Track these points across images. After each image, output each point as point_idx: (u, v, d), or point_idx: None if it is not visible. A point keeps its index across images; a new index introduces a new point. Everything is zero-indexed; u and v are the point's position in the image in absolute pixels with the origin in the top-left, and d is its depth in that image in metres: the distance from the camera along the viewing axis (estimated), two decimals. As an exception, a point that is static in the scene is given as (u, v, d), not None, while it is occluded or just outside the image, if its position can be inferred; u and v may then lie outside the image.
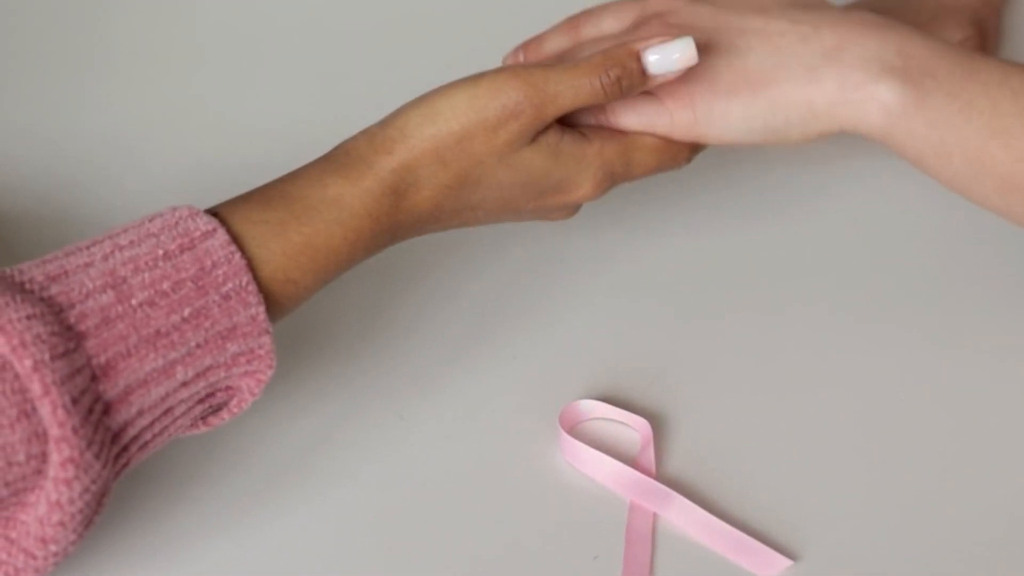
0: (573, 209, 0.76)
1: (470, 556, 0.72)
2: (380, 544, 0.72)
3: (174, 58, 1.00)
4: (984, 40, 0.95)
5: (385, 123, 0.71)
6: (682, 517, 0.73)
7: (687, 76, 0.73)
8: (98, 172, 0.92)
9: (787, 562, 0.71)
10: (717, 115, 0.74)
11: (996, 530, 0.73)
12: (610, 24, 0.79)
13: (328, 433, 0.76)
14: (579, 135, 0.73)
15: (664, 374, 0.80)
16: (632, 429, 0.77)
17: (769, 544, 0.72)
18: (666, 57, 0.72)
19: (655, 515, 0.73)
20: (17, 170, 0.92)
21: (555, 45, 0.79)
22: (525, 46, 0.80)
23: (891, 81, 0.72)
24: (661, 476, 0.75)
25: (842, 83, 0.72)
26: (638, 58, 0.72)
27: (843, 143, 0.80)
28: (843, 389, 0.80)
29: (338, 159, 0.70)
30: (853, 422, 0.78)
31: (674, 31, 0.74)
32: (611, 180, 0.75)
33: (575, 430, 0.77)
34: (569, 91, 0.71)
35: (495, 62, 0.78)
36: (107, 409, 0.62)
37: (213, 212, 0.67)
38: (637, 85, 0.73)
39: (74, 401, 0.60)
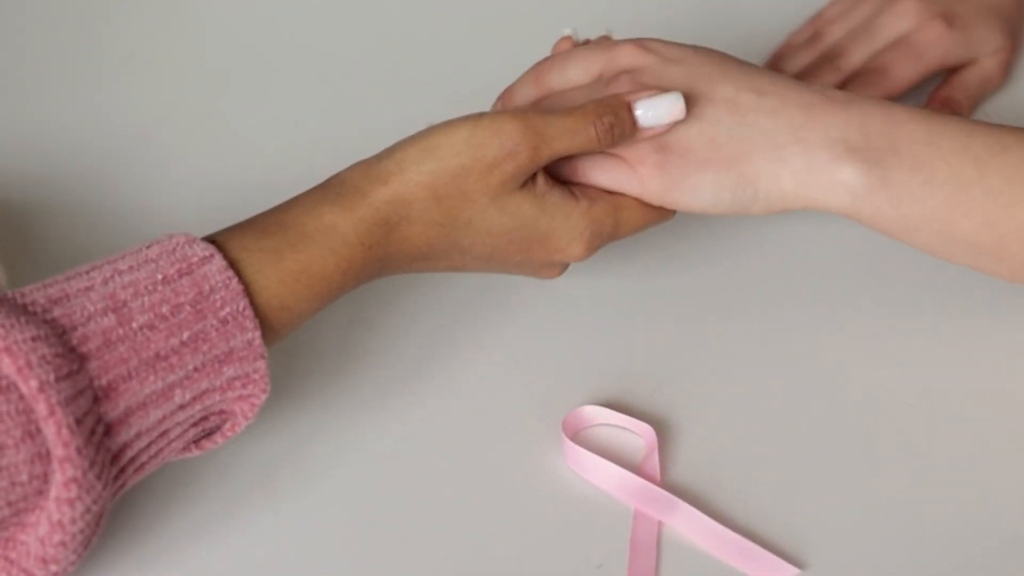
0: (562, 268, 0.77)
1: (471, 564, 0.71)
2: (380, 552, 0.72)
3: (189, 57, 1.02)
4: (1014, 49, 0.97)
5: (382, 156, 0.72)
6: (688, 525, 0.72)
7: (659, 143, 0.75)
8: (116, 162, 0.93)
9: (794, 570, 0.71)
10: (687, 187, 0.75)
11: (1006, 539, 0.73)
12: (576, 74, 0.79)
13: (327, 439, 0.76)
14: (567, 192, 0.75)
15: (669, 379, 0.79)
16: (637, 435, 0.77)
17: (776, 552, 0.71)
18: (656, 110, 0.74)
19: (660, 523, 0.73)
20: (34, 159, 0.93)
21: (524, 95, 0.80)
22: (501, 98, 0.81)
23: (854, 163, 0.74)
24: (666, 483, 0.74)
25: (808, 163, 0.74)
26: (630, 108, 0.74)
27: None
28: (851, 395, 0.79)
29: (333, 188, 0.71)
30: (861, 429, 0.77)
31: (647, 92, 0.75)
32: (600, 239, 0.76)
33: (579, 436, 0.76)
34: (565, 135, 0.73)
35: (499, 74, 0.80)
36: (108, 430, 0.63)
37: (210, 239, 0.68)
38: (628, 135, 0.74)
39: (78, 422, 0.61)
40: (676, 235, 0.87)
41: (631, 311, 0.84)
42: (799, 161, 0.74)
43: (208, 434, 0.69)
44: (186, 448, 0.68)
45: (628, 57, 0.78)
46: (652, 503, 0.73)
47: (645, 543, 0.72)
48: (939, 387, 0.79)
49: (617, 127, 0.74)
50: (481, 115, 0.72)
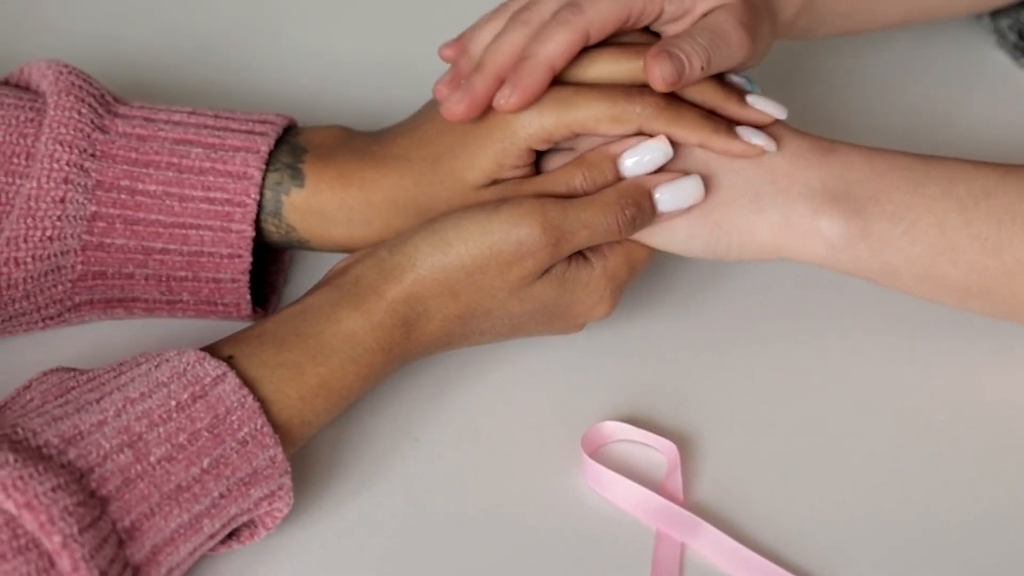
0: (584, 324, 0.77)
1: None
2: (392, 572, 0.71)
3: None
4: None
5: (394, 249, 0.71)
6: (711, 547, 0.71)
7: None
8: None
9: None
10: (660, 229, 0.75)
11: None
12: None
13: (340, 455, 0.75)
14: (582, 259, 0.74)
15: (692, 394, 0.78)
16: (658, 452, 0.75)
17: None
18: (675, 195, 0.73)
19: (683, 545, 0.71)
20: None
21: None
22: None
23: (833, 215, 0.73)
24: (689, 503, 0.73)
25: (786, 215, 0.74)
26: (650, 196, 0.73)
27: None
28: (884, 414, 0.78)
29: (347, 288, 0.71)
30: (896, 449, 0.76)
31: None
32: (620, 291, 0.75)
33: (598, 453, 0.75)
34: (585, 230, 0.72)
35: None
36: (136, 573, 0.63)
37: (221, 353, 0.68)
38: (647, 221, 0.74)
39: (103, 573, 0.60)
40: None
41: (653, 324, 0.82)
42: (776, 212, 0.74)
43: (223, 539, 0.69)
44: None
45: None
46: (674, 524, 0.72)
47: (667, 566, 0.70)
48: (970, 404, 0.78)
49: (639, 217, 0.73)
50: (498, 207, 0.71)
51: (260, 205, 0.76)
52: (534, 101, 0.73)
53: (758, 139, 0.74)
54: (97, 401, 0.65)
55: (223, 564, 0.69)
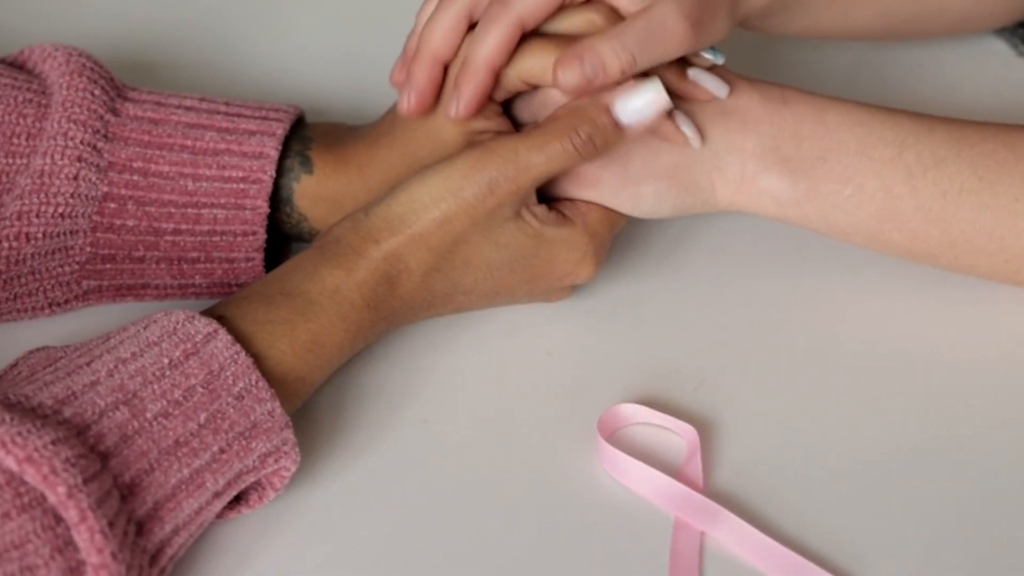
0: (572, 289, 0.79)
1: (500, 574, 0.69)
2: (401, 558, 0.70)
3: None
4: None
5: (369, 211, 0.73)
6: (732, 536, 0.70)
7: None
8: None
9: None
10: (628, 196, 0.76)
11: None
12: None
13: (347, 438, 0.74)
14: (560, 217, 0.75)
15: (713, 375, 0.77)
16: (677, 436, 0.74)
17: (828, 568, 0.68)
18: (636, 104, 0.73)
19: (702, 534, 0.70)
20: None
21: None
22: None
23: (782, 174, 0.75)
24: (709, 490, 0.72)
25: (741, 172, 0.76)
26: (607, 110, 0.73)
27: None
28: (916, 395, 0.77)
29: (329, 248, 0.72)
30: (926, 433, 0.75)
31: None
32: (604, 248, 0.77)
33: (615, 437, 0.74)
34: (541, 158, 0.72)
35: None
36: (140, 529, 0.63)
37: (212, 313, 0.69)
38: (612, 140, 0.74)
39: (111, 525, 0.61)
40: (720, 227, 0.85)
41: (672, 303, 0.82)
42: (732, 170, 0.76)
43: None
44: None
45: None
46: (694, 511, 0.71)
47: (686, 556, 0.69)
48: (1008, 392, 0.77)
49: (597, 135, 0.73)
50: (453, 158, 0.73)
51: (274, 189, 0.78)
52: (481, 104, 0.74)
53: (710, 83, 0.75)
54: (88, 364, 0.65)
55: (229, 531, 0.69)
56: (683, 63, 0.75)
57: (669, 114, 0.74)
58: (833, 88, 0.80)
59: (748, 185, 0.76)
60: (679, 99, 0.75)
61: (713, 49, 0.76)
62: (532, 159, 0.72)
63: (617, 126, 0.73)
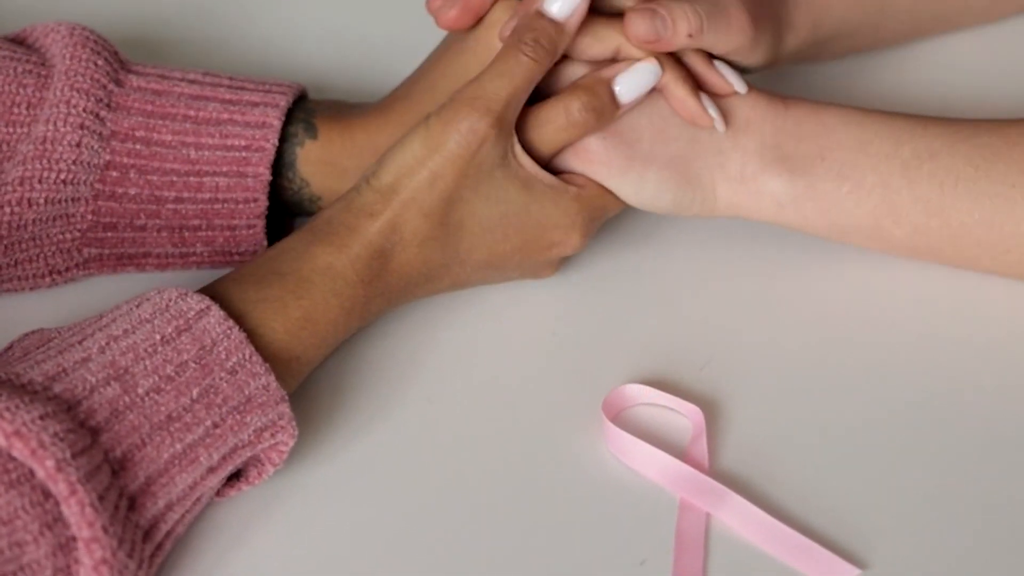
0: (559, 263, 0.79)
1: (501, 558, 0.69)
2: (403, 539, 0.69)
3: None
4: None
5: (360, 188, 0.73)
6: (738, 518, 0.70)
7: (608, 132, 0.75)
8: None
9: (855, 572, 0.68)
10: (631, 179, 0.76)
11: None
12: None
13: (348, 416, 0.74)
14: (553, 176, 0.75)
15: (719, 355, 0.77)
16: (683, 417, 0.74)
17: (836, 550, 0.68)
18: (634, 83, 0.75)
19: (708, 515, 0.70)
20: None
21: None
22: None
23: (780, 173, 0.76)
24: (715, 471, 0.72)
25: (741, 172, 0.76)
26: (607, 84, 0.74)
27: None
28: (925, 375, 0.76)
29: (321, 229, 0.72)
30: (935, 413, 0.74)
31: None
32: (594, 223, 0.77)
33: (620, 418, 0.74)
34: (503, 80, 0.73)
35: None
36: (132, 504, 0.63)
37: (203, 293, 0.69)
38: (559, 39, 0.74)
39: (100, 498, 0.61)
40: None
41: (678, 282, 0.81)
42: (734, 169, 0.76)
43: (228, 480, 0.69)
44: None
45: None
46: (699, 493, 0.70)
47: (692, 537, 0.69)
48: (1011, 369, 0.77)
49: (544, 39, 0.73)
50: (427, 117, 0.73)
51: (277, 155, 0.78)
52: (476, 17, 0.76)
53: (732, 78, 0.76)
54: (80, 342, 0.65)
55: (233, 509, 0.69)
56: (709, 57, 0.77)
57: (697, 96, 0.75)
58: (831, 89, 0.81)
59: (748, 184, 0.76)
60: (701, 88, 0.76)
61: (739, 74, 0.77)
62: (495, 85, 0.72)
63: (562, 31, 0.74)
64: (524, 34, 0.73)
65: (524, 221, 0.74)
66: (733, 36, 0.76)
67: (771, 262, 0.82)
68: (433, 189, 0.72)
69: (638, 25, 0.73)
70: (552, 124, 0.74)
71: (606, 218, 0.77)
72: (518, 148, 0.74)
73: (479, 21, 0.77)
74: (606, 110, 0.74)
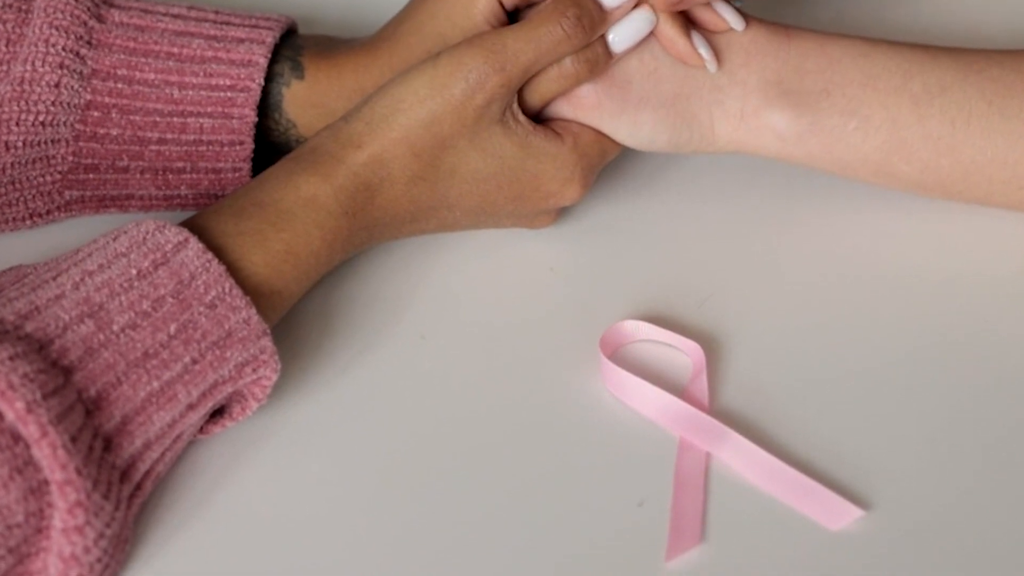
0: (556, 214, 0.78)
1: (496, 498, 0.68)
2: (393, 479, 0.69)
3: None
4: None
5: (350, 117, 0.72)
6: (739, 458, 0.69)
7: (599, 77, 0.75)
8: None
9: (858, 512, 0.67)
10: (626, 122, 0.75)
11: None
12: None
13: (335, 351, 0.73)
14: (550, 131, 0.74)
15: (720, 291, 0.77)
16: (682, 354, 0.74)
17: (838, 491, 0.68)
18: (630, 26, 0.74)
19: (708, 455, 0.70)
20: None
21: None
22: None
23: (784, 108, 0.75)
24: (715, 410, 0.71)
25: (742, 107, 0.75)
26: (603, 15, 0.73)
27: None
28: (925, 311, 0.76)
29: (306, 157, 0.71)
30: (939, 351, 0.74)
31: None
32: (592, 172, 0.76)
33: (617, 355, 0.73)
34: (529, 45, 0.72)
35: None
36: (108, 445, 0.62)
37: (184, 225, 0.69)
38: (599, 24, 0.73)
39: (73, 440, 0.60)
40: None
41: (676, 218, 0.81)
42: (733, 104, 0.75)
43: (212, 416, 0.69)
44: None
45: None
46: (699, 432, 0.70)
47: (691, 477, 0.68)
48: (1013, 305, 0.76)
49: (585, 17, 0.73)
50: (439, 54, 0.72)
51: (263, 95, 0.77)
52: None
53: (728, 15, 0.75)
54: (54, 278, 0.64)
55: (230, 456, 0.69)
56: None
57: (687, 35, 0.74)
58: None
59: (749, 120, 0.75)
60: (694, 26, 0.75)
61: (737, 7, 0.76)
62: (520, 47, 0.71)
63: (602, 10, 0.73)
64: (569, 8, 0.72)
65: (519, 175, 0.74)
66: None
67: (774, 199, 0.81)
68: (428, 131, 0.71)
69: None
70: (544, 75, 0.73)
71: (605, 163, 0.77)
72: (516, 108, 0.73)
73: None
74: (599, 60, 0.73)
